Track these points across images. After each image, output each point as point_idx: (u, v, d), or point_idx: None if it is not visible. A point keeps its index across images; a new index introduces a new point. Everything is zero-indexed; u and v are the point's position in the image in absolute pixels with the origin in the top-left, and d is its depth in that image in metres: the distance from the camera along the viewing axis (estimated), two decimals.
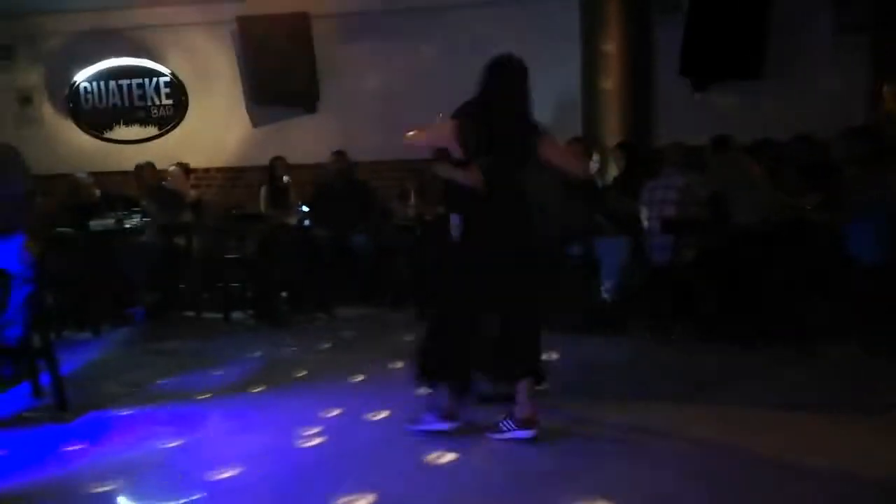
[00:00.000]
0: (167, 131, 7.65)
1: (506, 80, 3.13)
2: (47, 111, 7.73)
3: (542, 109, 6.88)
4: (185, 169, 7.13)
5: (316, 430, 3.44)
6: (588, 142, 5.77)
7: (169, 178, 6.80)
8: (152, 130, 7.67)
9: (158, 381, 4.42)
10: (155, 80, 7.61)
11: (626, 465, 2.96)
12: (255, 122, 7.55)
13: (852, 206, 4.30)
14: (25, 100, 7.68)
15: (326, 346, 5.14)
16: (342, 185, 6.67)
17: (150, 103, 7.64)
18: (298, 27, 7.06)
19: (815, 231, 4.59)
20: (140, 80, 7.61)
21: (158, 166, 6.89)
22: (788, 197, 4.90)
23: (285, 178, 6.62)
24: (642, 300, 5.09)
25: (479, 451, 3.12)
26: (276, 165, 6.68)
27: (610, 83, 6.78)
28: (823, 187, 4.86)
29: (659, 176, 5.08)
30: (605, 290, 5.03)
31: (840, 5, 6.50)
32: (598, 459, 2.99)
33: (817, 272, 4.48)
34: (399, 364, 4.31)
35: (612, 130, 6.73)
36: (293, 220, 6.45)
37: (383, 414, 3.60)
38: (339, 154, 6.75)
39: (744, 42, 6.57)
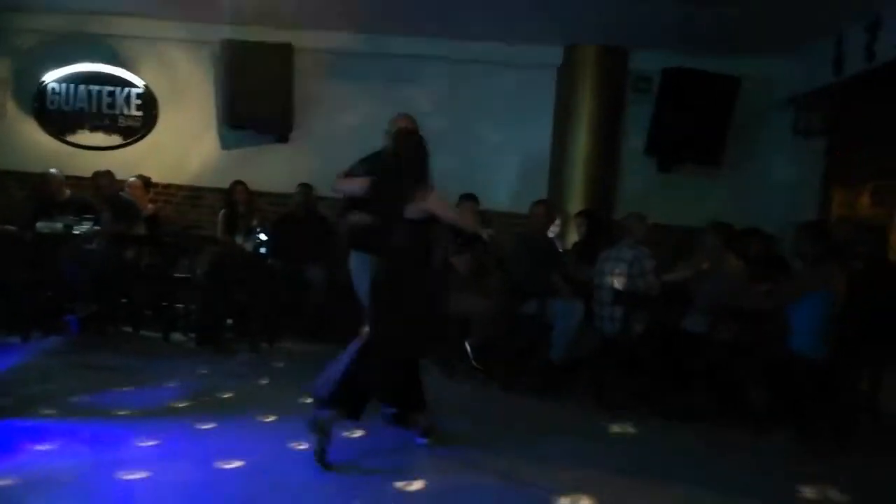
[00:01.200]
0: (132, 142, 7.51)
1: (400, 146, 3.77)
2: (10, 107, 7.53)
3: (511, 168, 7.27)
4: (145, 182, 7.02)
5: (236, 462, 3.31)
6: (550, 205, 5.88)
7: (127, 189, 6.66)
8: (116, 139, 7.53)
9: (81, 395, 4.25)
10: (127, 90, 7.51)
11: None
12: (225, 144, 7.49)
13: (791, 295, 4.43)
14: None
15: (263, 378, 4.99)
16: (304, 218, 6.63)
17: (118, 112, 7.52)
18: (281, 57, 7.10)
19: (759, 321, 4.71)
20: (112, 89, 7.50)
21: (118, 176, 6.74)
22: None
23: (241, 206, 6.52)
24: (590, 366, 5.12)
25: None
26: (235, 189, 6.60)
27: (578, 152, 6.98)
28: (771, 279, 5.01)
29: (612, 247, 5.19)
30: (556, 352, 5.05)
31: (799, 109, 6.86)
32: None
33: (760, 362, 4.59)
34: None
35: (576, 197, 6.90)
36: (248, 246, 6.35)
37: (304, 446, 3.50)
38: (305, 186, 6.72)
39: (707, 129, 6.86)
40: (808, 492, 3.48)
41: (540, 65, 7.16)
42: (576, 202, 6.85)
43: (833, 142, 6.76)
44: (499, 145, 7.25)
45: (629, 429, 4.25)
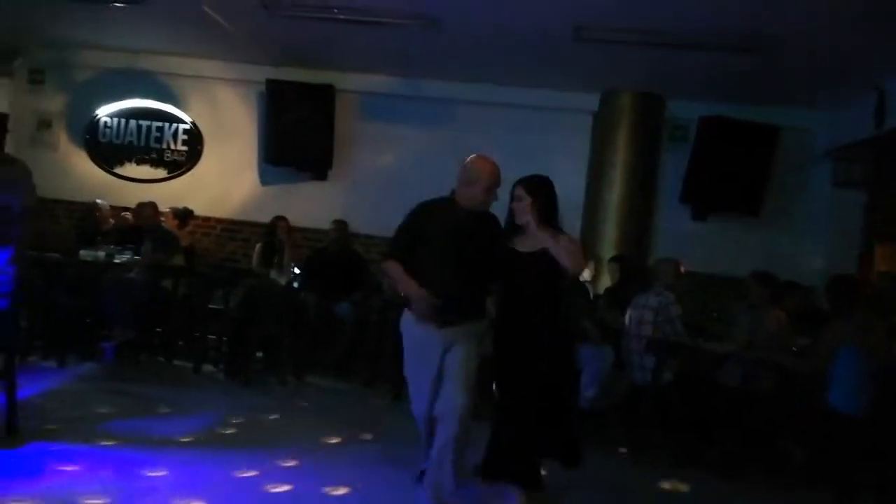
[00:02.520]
0: (176, 175, 7.76)
1: None
2: (63, 138, 7.86)
3: None
4: (183, 213, 7.18)
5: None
6: (585, 249, 5.86)
7: (163, 220, 6.85)
8: (162, 173, 7.78)
9: (112, 421, 4.30)
10: (175, 125, 7.79)
11: None
12: (265, 180, 7.68)
13: (829, 355, 4.30)
14: (45, 124, 7.83)
15: (292, 411, 5.00)
16: (337, 253, 6.71)
17: (165, 146, 7.79)
18: (323, 98, 7.30)
19: (797, 377, 4.57)
20: (160, 124, 7.79)
21: (161, 208, 6.94)
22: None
23: (280, 241, 6.65)
24: (620, 414, 5.02)
25: None
26: (278, 224, 6.73)
27: (613, 198, 6.97)
28: (811, 333, 4.89)
29: (642, 293, 5.12)
30: (584, 398, 4.97)
31: (839, 160, 6.77)
32: None
33: (796, 417, 4.45)
34: (369, 436, 4.29)
35: (609, 243, 6.87)
36: (283, 280, 6.45)
37: (341, 490, 3.47)
38: (340, 223, 6.83)
39: (746, 180, 6.81)
40: None
41: (577, 110, 7.22)
42: (609, 248, 6.82)
43: (874, 195, 6.64)
44: None
45: (680, 486, 4.11)
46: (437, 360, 3.29)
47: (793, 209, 7.08)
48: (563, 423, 3.38)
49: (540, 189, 3.38)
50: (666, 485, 4.09)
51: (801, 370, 4.48)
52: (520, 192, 3.37)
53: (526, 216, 3.32)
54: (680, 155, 7.01)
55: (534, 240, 3.31)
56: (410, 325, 3.39)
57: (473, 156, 3.42)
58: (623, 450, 4.68)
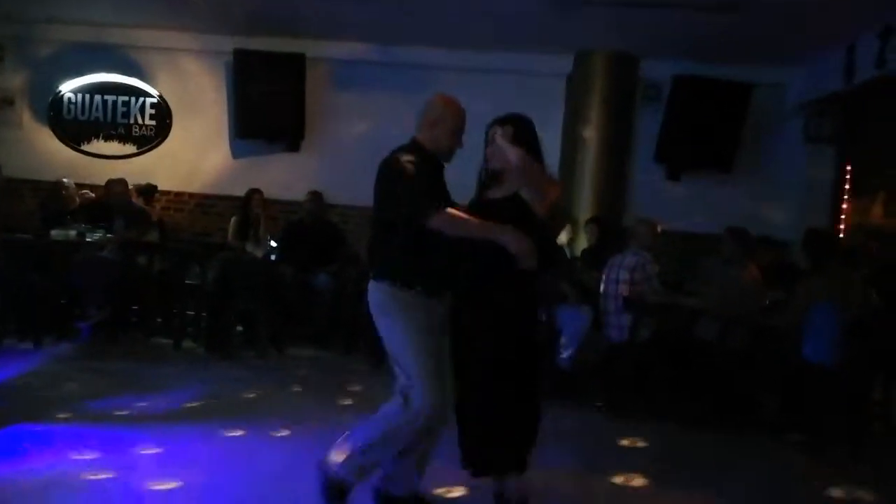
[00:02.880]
0: (146, 151, 7.61)
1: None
2: (26, 116, 7.64)
3: None
4: (147, 190, 7.02)
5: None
6: (559, 211, 5.89)
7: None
8: (131, 148, 7.62)
9: (91, 400, 4.27)
10: (142, 99, 7.61)
11: None
12: (236, 153, 7.56)
13: (802, 308, 4.40)
14: (7, 101, 7.60)
15: (274, 384, 5.00)
16: (313, 225, 6.67)
17: (132, 122, 7.61)
18: (293, 67, 7.17)
19: (771, 332, 4.67)
20: (126, 98, 7.60)
21: (131, 184, 6.81)
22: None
23: (255, 214, 6.58)
24: (598, 372, 5.10)
25: None
26: (252, 197, 6.65)
27: (588, 160, 6.98)
28: (783, 288, 4.98)
29: (618, 253, 5.16)
30: (564, 358, 5.03)
31: (811, 116, 6.83)
32: None
33: (770, 370, 4.55)
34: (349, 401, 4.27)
35: (585, 205, 6.90)
36: (259, 253, 6.40)
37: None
38: (315, 194, 6.77)
39: (718, 138, 6.85)
40: (836, 492, 3.46)
41: (550, 73, 7.18)
42: (585, 209, 6.85)
43: (844, 149, 6.73)
44: None
45: (639, 442, 4.16)
46: (444, 334, 2.80)
47: (765, 165, 7.15)
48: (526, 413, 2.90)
49: (520, 123, 2.96)
50: (625, 441, 4.15)
51: (776, 324, 4.57)
52: (494, 130, 2.92)
53: (503, 156, 2.86)
54: (653, 115, 7.03)
55: (509, 182, 2.85)
56: (410, 301, 2.72)
57: (437, 94, 2.98)
58: (599, 403, 4.76)
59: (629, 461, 3.81)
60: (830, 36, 5.96)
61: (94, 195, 6.77)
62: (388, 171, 2.75)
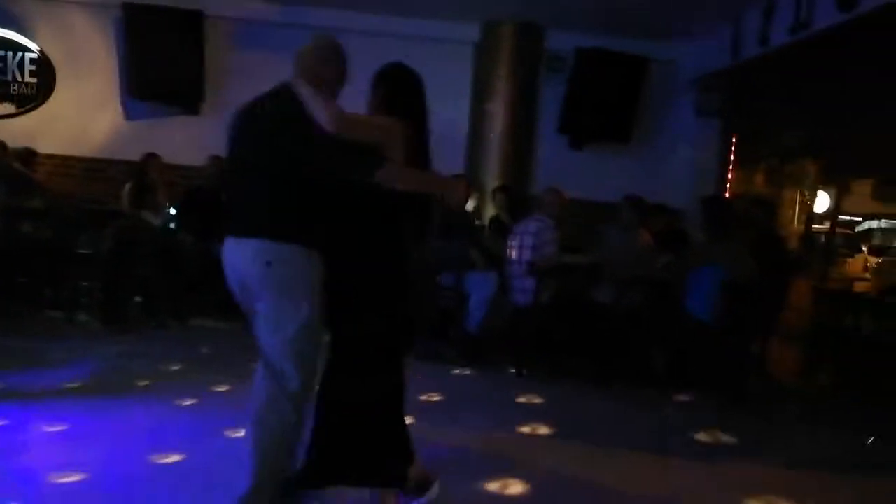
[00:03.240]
0: (27, 111, 7.05)
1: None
2: None
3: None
4: (25, 154, 6.52)
5: (171, 455, 3.16)
6: (467, 179, 5.99)
7: None
8: (9, 108, 7.05)
9: None
10: (20, 54, 7.02)
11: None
12: (130, 115, 7.15)
13: (689, 268, 4.74)
14: None
15: (174, 357, 4.84)
16: (214, 191, 6.43)
17: (10, 78, 7.03)
18: (189, 25, 6.82)
19: (660, 289, 4.99)
20: (3, 53, 7.00)
21: (11, 146, 6.33)
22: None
23: (154, 178, 6.27)
24: (506, 336, 5.27)
25: None
26: (149, 162, 6.32)
27: (496, 129, 7.09)
28: (673, 250, 5.31)
29: (523, 220, 5.33)
30: (471, 323, 5.16)
31: (701, 91, 7.21)
32: None
33: (660, 327, 4.88)
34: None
35: (492, 173, 7.02)
36: (157, 221, 6.13)
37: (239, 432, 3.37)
38: (216, 159, 6.50)
39: (618, 109, 7.13)
40: (702, 436, 3.85)
41: (458, 41, 7.20)
42: (492, 177, 6.97)
43: (730, 123, 7.16)
44: None
45: (535, 399, 4.38)
46: None
47: (660, 137, 7.51)
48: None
49: (384, 73, 2.80)
50: (522, 398, 4.37)
51: (668, 279, 4.90)
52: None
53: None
54: (557, 86, 7.20)
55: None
56: (315, 261, 2.49)
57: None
58: (512, 370, 4.93)
59: (534, 416, 4.01)
60: (720, 12, 6.29)
61: None
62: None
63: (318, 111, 2.44)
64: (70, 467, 2.92)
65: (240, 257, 2.52)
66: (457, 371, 4.94)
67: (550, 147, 7.35)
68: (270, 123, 2.54)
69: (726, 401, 4.49)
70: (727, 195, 7.09)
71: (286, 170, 2.47)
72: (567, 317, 4.97)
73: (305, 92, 2.51)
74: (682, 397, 4.62)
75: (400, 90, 2.77)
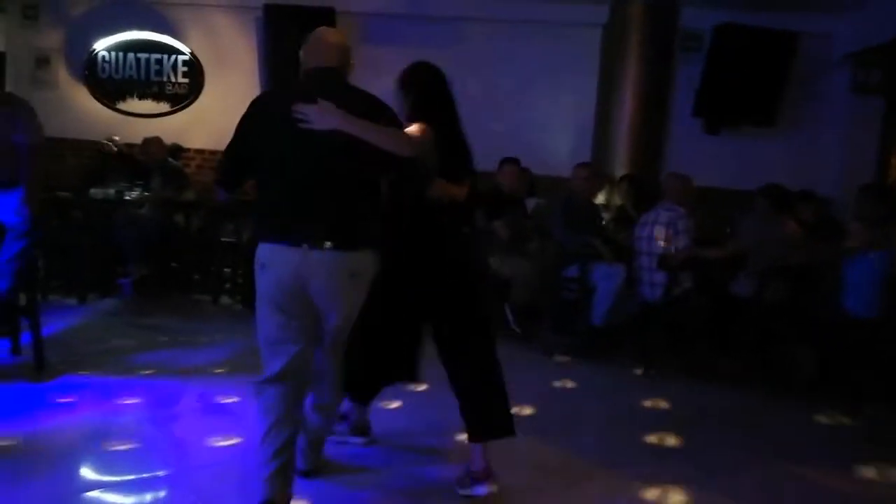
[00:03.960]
0: (179, 109, 7.66)
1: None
2: (63, 75, 7.73)
3: (555, 132, 7.17)
4: (172, 150, 7.05)
5: None
6: (593, 168, 5.80)
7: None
8: (165, 107, 7.68)
9: (137, 353, 4.41)
10: (174, 57, 7.62)
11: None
12: None
13: (846, 258, 4.31)
14: (43, 61, 7.69)
15: None
16: None
17: (166, 79, 7.65)
18: (323, 22, 7.01)
19: (810, 281, 4.60)
20: (159, 56, 7.63)
21: (166, 142, 6.88)
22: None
23: None
24: (632, 331, 5.08)
25: None
26: None
27: (624, 114, 6.82)
28: (825, 240, 4.88)
29: (651, 210, 5.08)
30: (597, 315, 5.02)
31: (858, 66, 6.56)
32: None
33: (809, 323, 4.49)
34: None
35: (621, 161, 6.77)
36: None
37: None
38: None
39: (760, 89, 6.63)
40: (869, 472, 3.31)
41: (585, 24, 6.98)
42: (621, 165, 6.73)
43: (892, 100, 6.46)
44: (543, 108, 7.14)
45: (662, 403, 4.12)
46: None
47: (810, 118, 6.91)
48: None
49: (411, 78, 2.88)
50: (648, 403, 4.09)
51: (822, 260, 4.48)
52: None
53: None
54: (693, 67, 6.81)
55: None
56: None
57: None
58: (638, 371, 4.72)
59: (660, 421, 3.80)
60: None
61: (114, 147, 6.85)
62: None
63: (396, 136, 2.45)
64: (225, 433, 3.17)
65: (314, 268, 2.41)
66: (579, 365, 4.80)
67: (684, 132, 6.97)
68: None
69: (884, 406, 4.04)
70: (888, 181, 6.41)
71: (370, 178, 2.50)
72: (702, 312, 4.69)
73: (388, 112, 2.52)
74: (832, 401, 4.17)
75: (430, 95, 2.85)
